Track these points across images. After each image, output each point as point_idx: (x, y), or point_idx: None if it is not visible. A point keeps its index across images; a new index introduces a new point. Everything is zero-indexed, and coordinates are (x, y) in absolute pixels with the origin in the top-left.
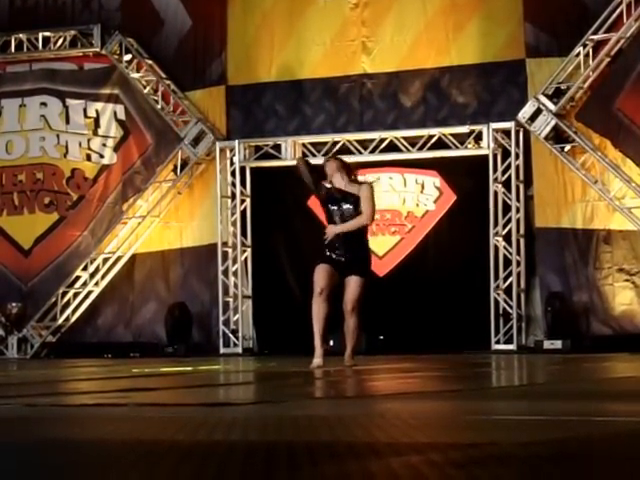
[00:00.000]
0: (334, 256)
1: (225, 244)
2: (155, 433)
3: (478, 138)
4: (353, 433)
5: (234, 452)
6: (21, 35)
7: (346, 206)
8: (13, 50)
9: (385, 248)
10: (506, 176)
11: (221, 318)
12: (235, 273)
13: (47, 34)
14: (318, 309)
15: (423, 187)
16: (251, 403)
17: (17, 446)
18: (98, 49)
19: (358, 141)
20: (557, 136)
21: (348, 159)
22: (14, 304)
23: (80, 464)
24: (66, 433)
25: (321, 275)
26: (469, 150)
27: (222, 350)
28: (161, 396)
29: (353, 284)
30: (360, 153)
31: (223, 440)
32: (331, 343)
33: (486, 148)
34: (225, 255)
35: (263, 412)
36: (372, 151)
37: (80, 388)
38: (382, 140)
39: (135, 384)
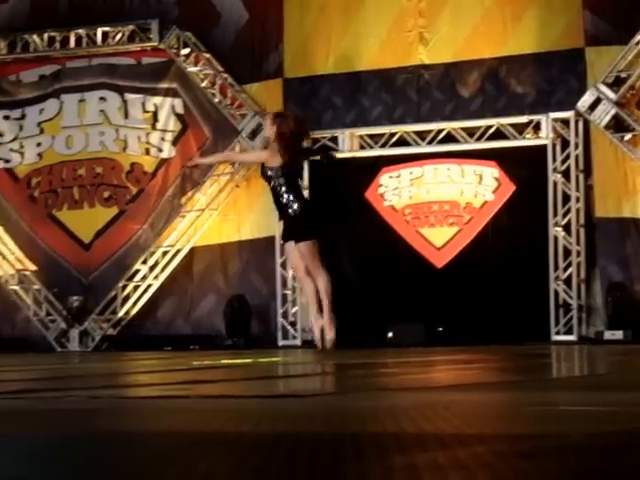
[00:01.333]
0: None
1: None
2: (219, 425)
3: (537, 128)
4: (419, 424)
5: (300, 444)
6: (80, 31)
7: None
8: (73, 45)
9: (443, 239)
10: (565, 166)
11: (280, 310)
12: None
13: (106, 29)
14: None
15: (481, 178)
16: (314, 395)
17: (82, 438)
18: (156, 43)
19: (415, 132)
20: (617, 125)
21: (405, 150)
22: (75, 297)
23: (146, 456)
24: (130, 425)
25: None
26: (528, 140)
27: (281, 342)
28: (223, 388)
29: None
30: (417, 144)
31: (288, 432)
32: (390, 335)
33: (545, 138)
34: (282, 248)
35: (327, 404)
36: (430, 142)
37: (142, 380)
38: (440, 131)
39: (196, 376)
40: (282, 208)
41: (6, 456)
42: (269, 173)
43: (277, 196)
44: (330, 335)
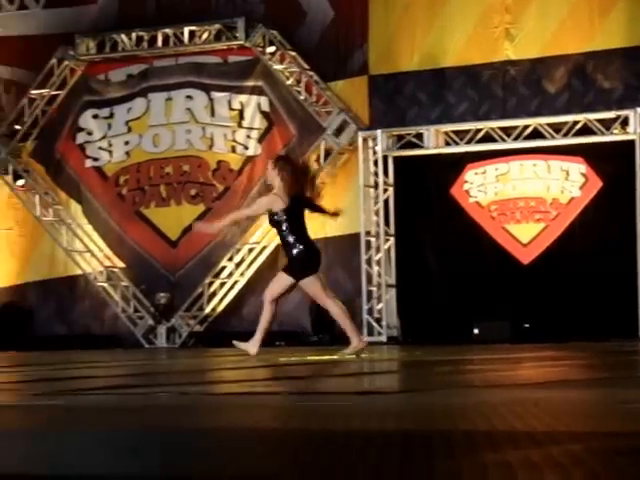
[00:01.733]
0: None
1: (368, 233)
2: (307, 423)
3: (624, 123)
4: (509, 422)
5: (391, 440)
6: (167, 30)
7: None
8: (160, 45)
9: (529, 236)
10: None
11: (365, 307)
12: (378, 262)
13: (193, 28)
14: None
15: (568, 174)
16: (401, 392)
17: (172, 433)
18: (242, 42)
19: (501, 128)
20: None
21: (491, 147)
22: (162, 294)
23: (235, 452)
24: (219, 421)
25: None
26: (615, 135)
27: (366, 339)
28: (310, 384)
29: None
30: (503, 140)
31: (378, 428)
32: (476, 331)
33: (633, 133)
34: (368, 244)
35: (414, 401)
36: (515, 138)
37: (229, 377)
38: (526, 127)
39: (284, 372)
40: (286, 248)
41: (96, 451)
42: (275, 218)
43: (282, 238)
44: (357, 342)
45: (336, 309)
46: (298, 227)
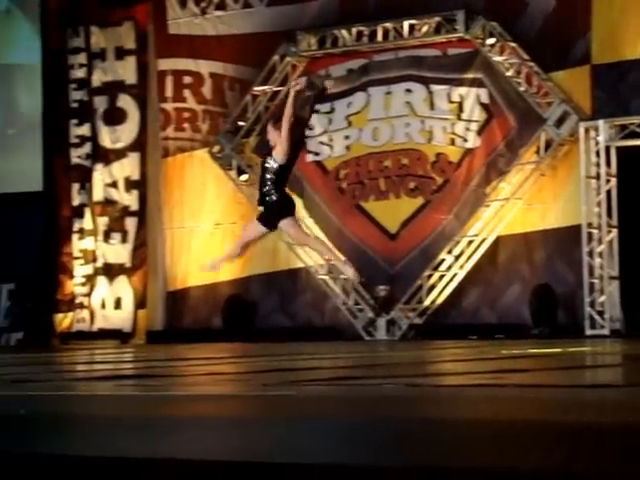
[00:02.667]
0: None
1: (590, 225)
2: (540, 413)
3: None
4: None
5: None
6: (387, 24)
7: None
8: (380, 39)
9: None
10: None
11: (587, 300)
12: (601, 254)
13: (412, 22)
14: None
15: None
16: (630, 385)
17: (406, 424)
18: (462, 34)
19: None
20: None
21: None
22: (382, 287)
23: (455, 443)
24: (449, 412)
25: None
26: None
27: (588, 332)
28: (534, 377)
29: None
30: None
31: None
32: None
33: None
34: (590, 236)
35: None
36: None
37: (453, 369)
38: None
39: (507, 365)
40: (262, 195)
41: (330, 440)
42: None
43: (262, 184)
44: (349, 271)
45: (319, 245)
46: (282, 182)
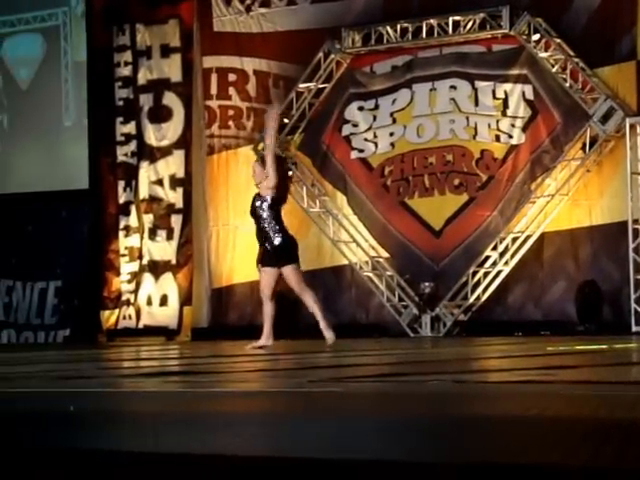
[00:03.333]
0: None
1: (636, 221)
2: (580, 410)
3: None
4: None
5: None
6: (432, 20)
7: None
8: (424, 36)
9: None
10: None
11: (632, 296)
12: None
13: (457, 18)
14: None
15: None
16: None
17: (453, 421)
18: (507, 30)
19: None
20: None
21: None
22: (427, 284)
23: (513, 439)
24: (496, 409)
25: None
26: None
27: (634, 328)
28: (582, 374)
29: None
30: None
31: None
32: None
33: None
34: (636, 232)
35: None
36: None
37: (499, 365)
38: None
39: (554, 362)
40: (263, 237)
41: (377, 437)
42: (258, 207)
43: (260, 228)
44: (329, 334)
45: (311, 301)
46: (278, 218)
